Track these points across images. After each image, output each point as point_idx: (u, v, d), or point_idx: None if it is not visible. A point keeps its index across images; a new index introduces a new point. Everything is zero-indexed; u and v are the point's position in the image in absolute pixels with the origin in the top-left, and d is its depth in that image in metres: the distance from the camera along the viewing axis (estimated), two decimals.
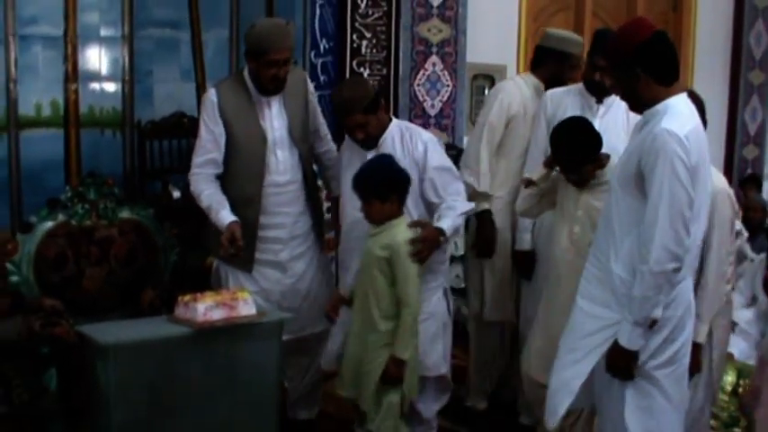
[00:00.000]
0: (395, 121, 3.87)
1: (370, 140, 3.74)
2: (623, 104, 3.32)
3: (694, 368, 3.28)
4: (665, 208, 2.74)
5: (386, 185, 3.49)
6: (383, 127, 3.76)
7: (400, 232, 3.49)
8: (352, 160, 3.80)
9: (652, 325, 2.83)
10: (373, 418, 3.52)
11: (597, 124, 3.80)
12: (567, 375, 3.02)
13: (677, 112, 2.83)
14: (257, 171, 3.85)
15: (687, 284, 2.98)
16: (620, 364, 2.90)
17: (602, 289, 2.94)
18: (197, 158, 3.87)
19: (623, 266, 2.88)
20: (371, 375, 3.49)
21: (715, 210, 3.22)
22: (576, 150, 3.54)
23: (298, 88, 3.97)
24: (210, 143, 3.83)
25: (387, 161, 3.59)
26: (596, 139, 3.57)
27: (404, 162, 3.65)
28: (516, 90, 4.37)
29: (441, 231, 3.58)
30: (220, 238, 3.69)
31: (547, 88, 4.31)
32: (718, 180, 3.32)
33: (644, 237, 2.79)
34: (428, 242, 3.52)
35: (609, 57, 2.98)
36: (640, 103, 2.92)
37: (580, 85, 4.14)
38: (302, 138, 3.96)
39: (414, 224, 3.59)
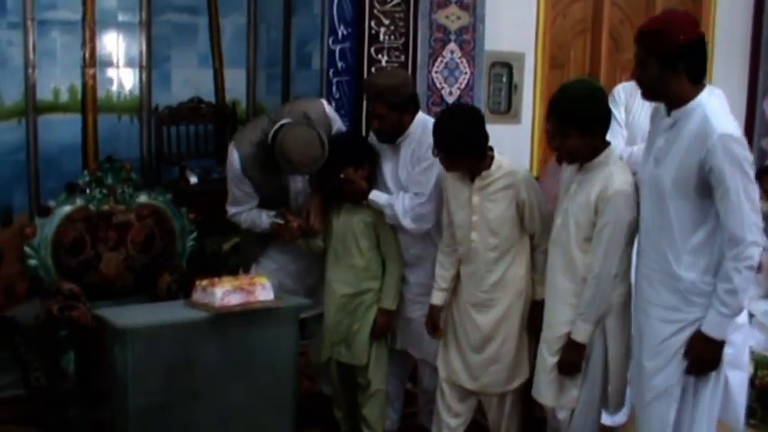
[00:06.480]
0: (421, 116, 3.76)
1: (384, 135, 3.72)
2: None
3: (573, 368, 3.20)
4: (747, 208, 2.77)
5: (364, 152, 3.76)
6: (402, 129, 3.70)
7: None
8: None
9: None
10: (368, 368, 3.75)
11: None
12: (659, 383, 2.97)
13: (719, 113, 2.83)
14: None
15: None
16: (709, 355, 2.89)
17: (670, 293, 2.92)
18: (231, 209, 3.87)
19: (691, 267, 2.88)
20: (363, 331, 3.72)
21: (613, 209, 3.08)
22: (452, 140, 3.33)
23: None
24: (242, 198, 3.83)
25: (358, 133, 3.87)
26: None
27: (411, 155, 3.68)
28: None
29: None
30: (275, 230, 3.80)
31: None
32: (620, 181, 3.11)
33: (732, 236, 2.79)
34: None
35: (650, 46, 2.89)
36: (667, 98, 2.88)
37: None
38: None
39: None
